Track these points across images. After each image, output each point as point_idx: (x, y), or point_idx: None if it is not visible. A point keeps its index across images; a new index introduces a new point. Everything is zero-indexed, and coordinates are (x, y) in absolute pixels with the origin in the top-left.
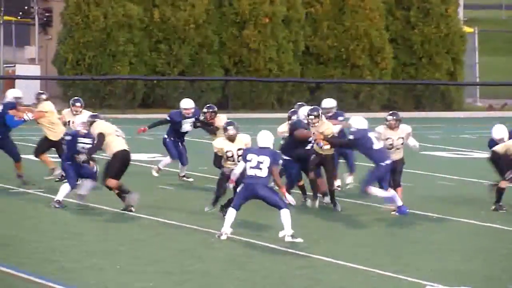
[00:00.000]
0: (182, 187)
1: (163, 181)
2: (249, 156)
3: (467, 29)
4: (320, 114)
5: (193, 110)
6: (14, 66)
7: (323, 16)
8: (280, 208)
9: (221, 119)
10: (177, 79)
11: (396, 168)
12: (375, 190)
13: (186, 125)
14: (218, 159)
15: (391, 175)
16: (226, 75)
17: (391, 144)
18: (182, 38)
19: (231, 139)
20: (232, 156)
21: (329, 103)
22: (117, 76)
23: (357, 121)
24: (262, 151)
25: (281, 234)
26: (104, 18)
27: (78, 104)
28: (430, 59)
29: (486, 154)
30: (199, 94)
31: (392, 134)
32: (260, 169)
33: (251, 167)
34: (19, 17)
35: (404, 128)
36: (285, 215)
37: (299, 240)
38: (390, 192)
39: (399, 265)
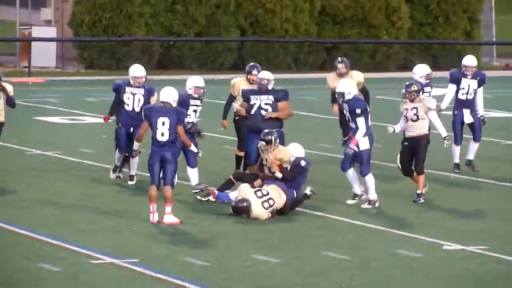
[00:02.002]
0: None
1: None
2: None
3: None
4: (274, 140)
5: (143, 80)
6: (30, 28)
7: None
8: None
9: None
10: (193, 40)
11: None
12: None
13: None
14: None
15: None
16: (242, 36)
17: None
18: None
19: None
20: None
21: (265, 74)
22: (133, 38)
23: (296, 149)
24: None
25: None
26: None
27: None
28: (446, 18)
29: (503, 114)
30: (215, 55)
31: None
32: None
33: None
34: None
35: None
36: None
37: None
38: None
39: (416, 225)
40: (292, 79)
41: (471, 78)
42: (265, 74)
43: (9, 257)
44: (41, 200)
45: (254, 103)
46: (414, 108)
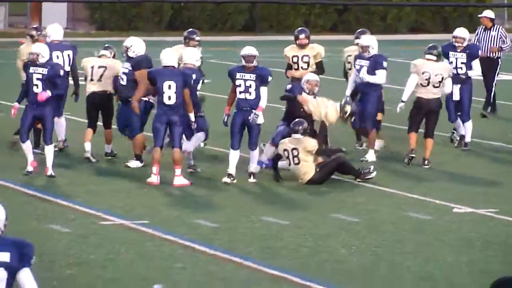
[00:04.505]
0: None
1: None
2: None
3: None
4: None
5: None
6: None
7: None
8: None
9: None
10: (204, 1)
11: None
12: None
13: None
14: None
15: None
16: None
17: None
18: None
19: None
20: None
21: (127, 42)
22: None
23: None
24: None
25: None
26: None
27: None
28: None
29: None
30: (226, 16)
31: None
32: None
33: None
34: None
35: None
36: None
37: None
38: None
39: (426, 187)
40: None
41: (460, 52)
42: (127, 42)
43: (18, 218)
44: None
45: None
46: None
